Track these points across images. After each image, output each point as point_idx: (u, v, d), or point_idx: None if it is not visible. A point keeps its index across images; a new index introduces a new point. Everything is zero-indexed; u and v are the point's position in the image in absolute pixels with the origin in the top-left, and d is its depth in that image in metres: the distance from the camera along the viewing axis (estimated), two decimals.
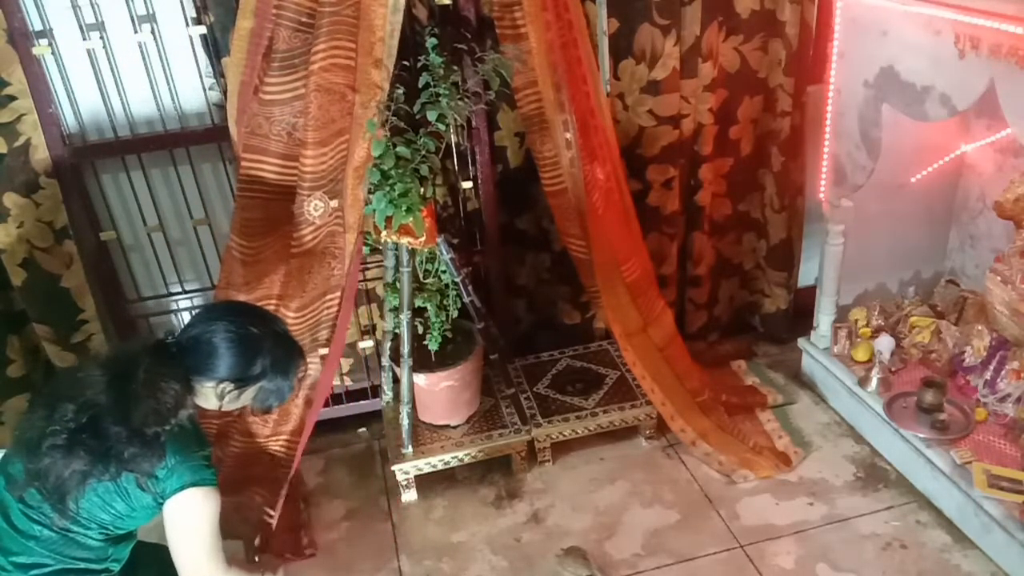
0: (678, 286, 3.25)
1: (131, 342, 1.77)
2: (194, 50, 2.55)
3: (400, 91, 2.26)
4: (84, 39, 2.47)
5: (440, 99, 2.24)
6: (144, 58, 2.54)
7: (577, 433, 2.84)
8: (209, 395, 1.77)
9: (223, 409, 1.81)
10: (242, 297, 2.45)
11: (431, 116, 2.24)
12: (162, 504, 1.73)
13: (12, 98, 2.39)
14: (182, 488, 1.71)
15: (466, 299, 2.66)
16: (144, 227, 2.76)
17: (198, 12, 2.50)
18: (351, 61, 2.20)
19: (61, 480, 1.62)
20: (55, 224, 2.54)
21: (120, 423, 1.61)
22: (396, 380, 2.83)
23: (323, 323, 2.43)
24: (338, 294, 2.40)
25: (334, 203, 2.32)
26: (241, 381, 1.77)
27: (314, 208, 2.31)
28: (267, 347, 1.78)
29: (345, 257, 2.36)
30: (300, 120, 2.28)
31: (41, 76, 2.45)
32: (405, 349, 2.59)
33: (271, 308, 2.43)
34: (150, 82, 2.57)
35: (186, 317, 2.90)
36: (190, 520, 1.75)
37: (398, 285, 2.56)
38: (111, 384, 1.63)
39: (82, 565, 1.75)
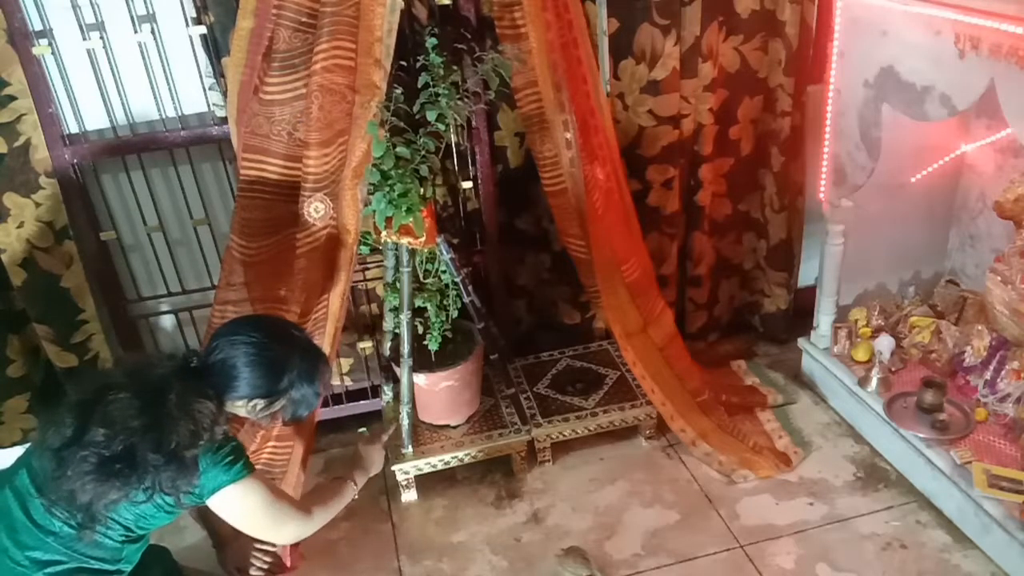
0: (678, 286, 3.25)
1: (153, 362, 1.79)
2: (194, 50, 2.55)
3: (399, 91, 2.26)
4: (84, 39, 2.47)
5: (440, 99, 2.24)
6: (144, 58, 2.54)
7: (577, 433, 2.84)
8: (240, 411, 1.84)
9: (255, 420, 1.88)
10: (241, 297, 2.46)
11: (431, 116, 2.24)
12: (201, 502, 1.80)
13: (12, 98, 2.38)
14: (217, 489, 1.77)
15: (466, 299, 2.66)
16: (144, 227, 2.76)
17: (198, 12, 2.50)
18: (351, 61, 2.20)
19: (92, 503, 1.64)
20: (55, 224, 2.54)
21: (157, 450, 1.63)
22: (396, 380, 2.83)
23: (319, 324, 2.44)
24: (327, 296, 2.40)
25: (334, 204, 2.32)
26: (270, 396, 1.83)
27: (315, 210, 2.31)
28: (291, 362, 1.83)
29: (340, 258, 2.36)
30: (302, 120, 2.28)
31: (41, 76, 2.45)
32: (405, 349, 2.59)
33: (285, 315, 2.43)
34: (150, 82, 2.57)
35: (186, 317, 2.90)
36: (237, 512, 1.84)
37: (398, 285, 2.56)
38: (144, 411, 1.64)
39: (96, 564, 1.76)
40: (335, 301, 2.38)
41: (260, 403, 1.83)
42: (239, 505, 1.82)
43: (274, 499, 1.89)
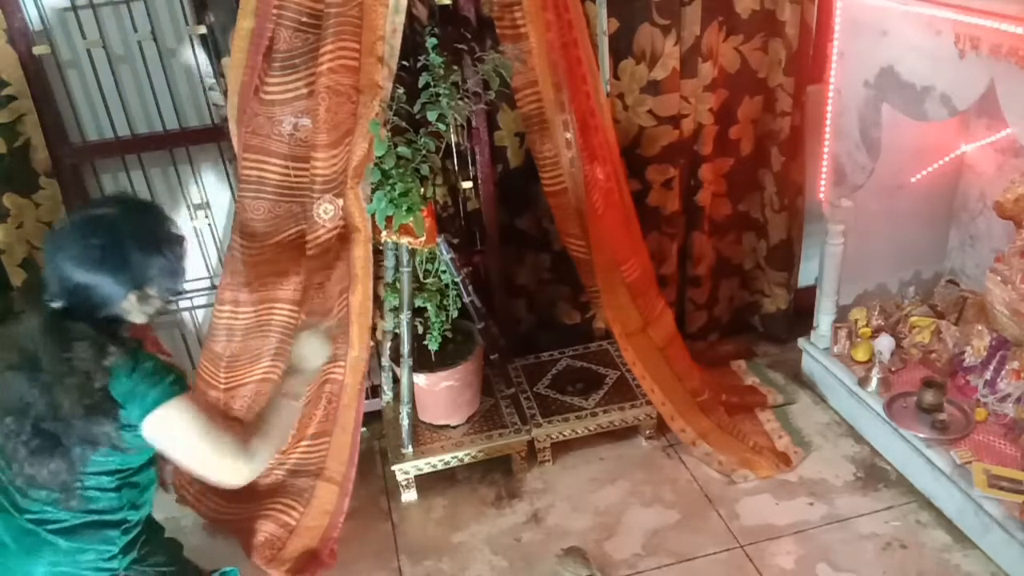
0: (678, 286, 3.25)
1: (23, 321, 1.65)
2: (194, 50, 2.55)
3: (400, 91, 2.26)
4: (84, 39, 2.47)
5: (440, 99, 2.24)
6: (144, 58, 2.54)
7: (577, 433, 2.84)
8: (132, 316, 1.69)
9: (154, 312, 1.73)
10: (243, 296, 2.45)
11: (431, 116, 2.25)
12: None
13: (12, 98, 2.39)
14: (148, 413, 1.63)
15: (466, 299, 2.66)
16: None
17: (198, 12, 2.50)
18: (356, 62, 2.20)
19: (49, 479, 1.62)
20: (55, 224, 2.54)
21: (56, 418, 1.58)
22: (396, 380, 2.83)
23: (341, 327, 2.44)
24: (345, 297, 2.41)
25: (341, 203, 2.33)
26: (137, 285, 1.66)
27: (324, 211, 2.32)
28: (124, 242, 1.63)
29: (352, 258, 2.36)
30: (303, 120, 2.28)
31: (41, 76, 2.45)
32: (405, 349, 2.59)
33: (287, 315, 2.43)
34: (150, 82, 2.57)
35: (187, 317, 2.90)
36: (169, 440, 1.69)
37: (398, 285, 2.56)
38: (30, 383, 1.59)
39: (96, 517, 1.73)
40: (356, 301, 2.38)
41: (134, 297, 1.65)
42: (168, 430, 1.66)
43: (212, 425, 1.71)
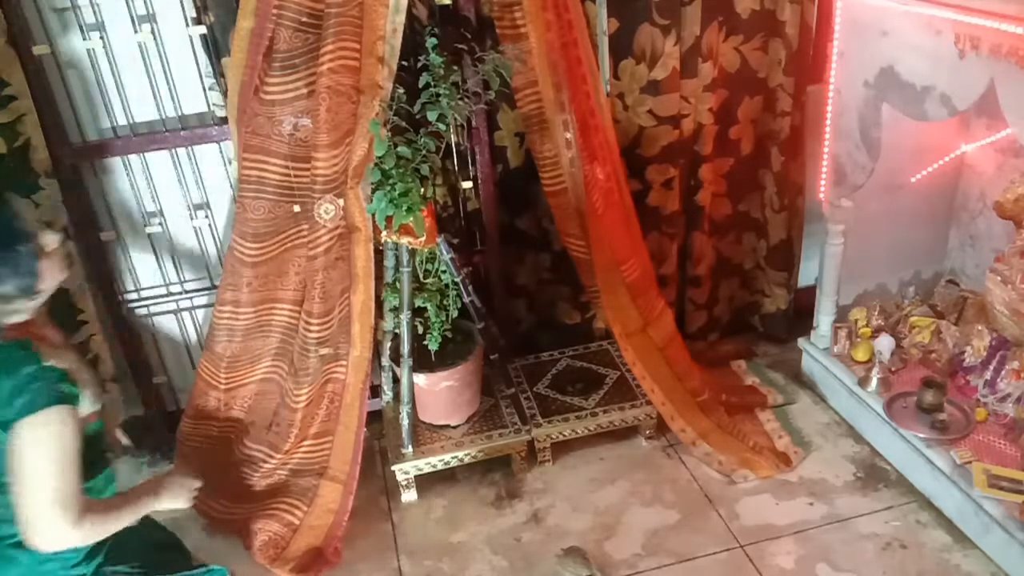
0: (678, 286, 3.25)
1: None
2: (194, 50, 2.55)
3: (400, 91, 2.26)
4: (84, 39, 2.47)
5: (440, 99, 2.24)
6: (144, 58, 2.54)
7: (577, 433, 2.84)
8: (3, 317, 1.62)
9: (21, 311, 1.64)
10: (243, 297, 2.45)
11: (431, 116, 2.25)
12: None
13: (12, 98, 2.38)
14: (23, 415, 1.55)
15: (466, 299, 2.66)
16: (144, 227, 2.76)
17: (198, 12, 2.50)
18: (356, 62, 2.20)
19: None
20: (55, 224, 2.54)
21: None
22: (396, 380, 2.83)
23: (343, 326, 2.44)
24: (347, 296, 2.41)
25: (342, 203, 2.33)
26: None
27: (324, 211, 2.32)
28: None
29: (353, 257, 2.36)
30: (303, 120, 2.28)
31: (41, 76, 2.45)
32: (405, 349, 2.59)
33: (288, 315, 2.42)
34: (150, 82, 2.57)
35: (187, 317, 2.90)
36: (30, 449, 1.55)
37: (398, 285, 2.56)
38: None
39: None
40: (358, 301, 2.38)
41: None
42: (47, 437, 1.54)
43: (74, 459, 1.58)
